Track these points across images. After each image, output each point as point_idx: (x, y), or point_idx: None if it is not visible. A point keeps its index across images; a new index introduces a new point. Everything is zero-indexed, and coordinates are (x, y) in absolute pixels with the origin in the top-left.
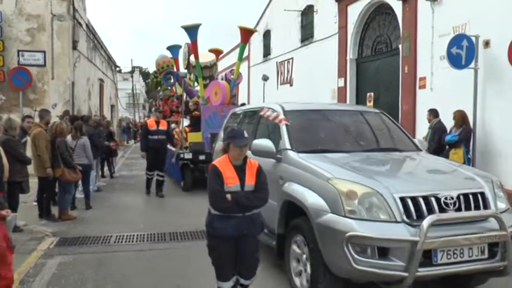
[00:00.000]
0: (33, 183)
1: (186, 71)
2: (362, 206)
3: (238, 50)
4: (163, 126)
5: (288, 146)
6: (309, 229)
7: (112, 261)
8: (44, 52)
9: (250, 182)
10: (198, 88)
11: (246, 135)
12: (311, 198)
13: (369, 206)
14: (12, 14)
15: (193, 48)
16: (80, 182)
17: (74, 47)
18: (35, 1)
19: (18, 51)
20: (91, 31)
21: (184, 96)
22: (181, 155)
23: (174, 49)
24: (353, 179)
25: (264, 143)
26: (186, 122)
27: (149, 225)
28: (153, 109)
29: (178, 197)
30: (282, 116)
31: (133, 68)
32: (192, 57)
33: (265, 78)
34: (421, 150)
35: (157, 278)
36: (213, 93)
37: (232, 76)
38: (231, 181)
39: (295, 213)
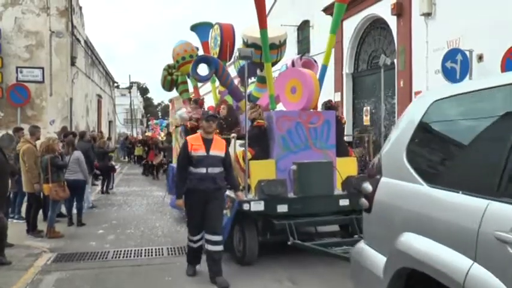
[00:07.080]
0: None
1: (251, 49)
2: None
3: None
4: (218, 149)
5: None
6: None
7: (109, 277)
8: (43, 68)
9: None
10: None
11: None
12: None
13: None
14: (12, 31)
15: (259, 10)
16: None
17: (72, 63)
18: (34, 18)
19: (17, 67)
20: (89, 47)
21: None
22: (246, 206)
23: (201, 30)
24: None
25: None
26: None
27: (147, 240)
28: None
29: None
30: None
31: (131, 83)
32: (250, 29)
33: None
34: None
35: None
36: (288, 89)
37: (298, 64)
38: None
39: None
